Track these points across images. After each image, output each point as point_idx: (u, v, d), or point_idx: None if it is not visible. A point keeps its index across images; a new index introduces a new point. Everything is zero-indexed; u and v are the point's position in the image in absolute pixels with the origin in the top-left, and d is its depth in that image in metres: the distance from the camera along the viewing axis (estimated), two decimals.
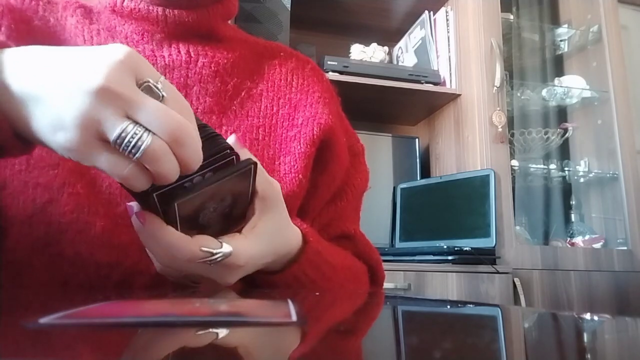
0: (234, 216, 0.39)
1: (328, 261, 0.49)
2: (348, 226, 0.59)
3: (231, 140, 0.38)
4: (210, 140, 0.35)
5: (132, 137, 0.29)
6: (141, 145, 0.29)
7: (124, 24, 0.51)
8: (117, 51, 0.30)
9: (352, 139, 0.62)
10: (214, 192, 0.35)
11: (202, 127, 0.34)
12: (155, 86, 0.31)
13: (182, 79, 0.50)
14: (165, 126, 0.30)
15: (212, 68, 0.52)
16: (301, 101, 0.56)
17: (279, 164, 0.52)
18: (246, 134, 0.52)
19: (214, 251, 0.35)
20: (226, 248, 0.36)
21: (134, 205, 0.35)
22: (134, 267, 0.43)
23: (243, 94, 0.54)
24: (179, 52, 0.51)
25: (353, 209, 0.61)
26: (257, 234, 0.39)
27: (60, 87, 0.29)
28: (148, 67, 0.32)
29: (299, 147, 0.53)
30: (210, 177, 0.34)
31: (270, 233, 0.41)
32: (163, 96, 0.31)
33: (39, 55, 0.32)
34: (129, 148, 0.29)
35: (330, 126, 0.55)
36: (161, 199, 0.33)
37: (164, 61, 0.50)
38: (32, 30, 0.48)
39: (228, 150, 0.35)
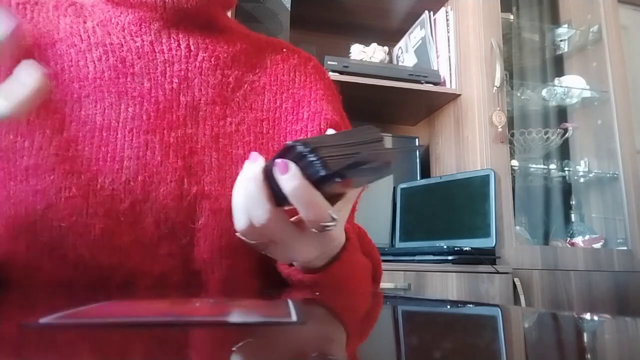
0: (338, 196, 0.40)
1: (358, 260, 0.48)
2: (354, 223, 0.59)
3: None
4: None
5: None
6: None
7: (119, 15, 0.50)
8: None
9: None
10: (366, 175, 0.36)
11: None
12: None
13: (182, 72, 0.50)
14: None
15: (212, 62, 0.52)
16: (305, 97, 0.56)
17: None
18: (250, 127, 0.52)
19: (336, 217, 0.36)
20: (337, 217, 0.37)
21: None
22: (136, 268, 0.43)
23: (246, 86, 0.53)
24: (179, 45, 0.50)
25: (354, 205, 0.61)
26: (339, 220, 0.40)
27: None
28: None
29: None
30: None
31: (343, 223, 0.41)
32: None
33: None
34: None
35: (337, 122, 0.55)
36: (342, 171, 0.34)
37: (164, 56, 0.50)
38: (23, 38, 0.47)
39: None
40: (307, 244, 0.39)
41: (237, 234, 0.40)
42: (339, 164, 0.33)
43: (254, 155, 0.39)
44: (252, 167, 0.38)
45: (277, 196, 0.36)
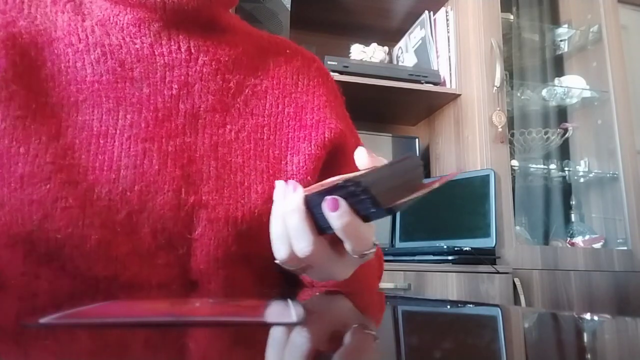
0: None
1: (372, 260, 0.50)
2: None
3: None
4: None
5: None
6: None
7: (118, 14, 0.48)
8: None
9: (357, 141, 0.62)
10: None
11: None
12: None
13: (182, 77, 0.48)
14: None
15: (213, 66, 0.50)
16: (308, 103, 0.55)
17: (286, 163, 0.51)
18: (251, 134, 0.51)
19: (376, 244, 0.39)
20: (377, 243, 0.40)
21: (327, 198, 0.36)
22: (134, 279, 0.43)
23: (247, 91, 0.52)
24: (179, 48, 0.49)
25: None
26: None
27: None
28: None
29: (309, 148, 0.52)
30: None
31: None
32: None
33: None
34: None
35: (341, 130, 0.55)
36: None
37: (164, 60, 0.48)
38: (19, 35, 0.46)
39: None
40: (346, 265, 0.41)
41: (276, 261, 0.41)
42: (390, 201, 0.35)
43: (293, 184, 0.39)
44: (294, 199, 0.38)
45: (317, 226, 0.38)
